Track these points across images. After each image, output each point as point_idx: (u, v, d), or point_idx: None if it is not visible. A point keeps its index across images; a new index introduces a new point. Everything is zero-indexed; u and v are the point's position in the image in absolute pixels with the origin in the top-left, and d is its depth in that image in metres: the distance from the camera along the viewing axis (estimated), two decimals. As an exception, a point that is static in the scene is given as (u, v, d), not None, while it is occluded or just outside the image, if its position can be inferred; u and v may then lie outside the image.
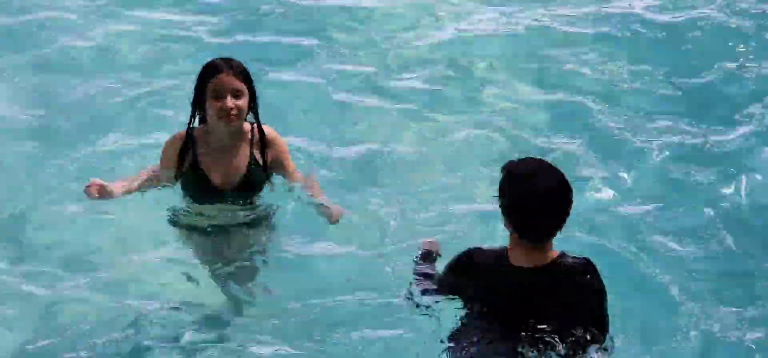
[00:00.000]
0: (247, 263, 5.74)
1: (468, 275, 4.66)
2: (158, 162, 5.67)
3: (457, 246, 4.89)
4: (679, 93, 8.17)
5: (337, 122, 7.77)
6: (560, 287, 4.49)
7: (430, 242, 5.25)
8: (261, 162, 5.62)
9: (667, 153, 7.35)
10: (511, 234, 4.53)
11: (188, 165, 5.57)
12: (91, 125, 7.52)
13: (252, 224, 5.72)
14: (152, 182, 5.66)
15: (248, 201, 5.66)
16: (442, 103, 8.13)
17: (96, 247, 6.15)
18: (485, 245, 4.80)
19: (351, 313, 5.59)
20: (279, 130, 5.75)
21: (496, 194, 4.52)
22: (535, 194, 4.40)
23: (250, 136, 5.61)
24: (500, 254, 4.59)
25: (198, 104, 5.50)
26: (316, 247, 6.02)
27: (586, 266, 4.56)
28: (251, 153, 5.59)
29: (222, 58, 5.51)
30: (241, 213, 5.66)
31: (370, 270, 5.91)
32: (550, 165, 4.51)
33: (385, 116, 7.87)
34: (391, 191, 6.79)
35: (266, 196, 5.71)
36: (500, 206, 4.50)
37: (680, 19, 9.30)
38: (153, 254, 6.00)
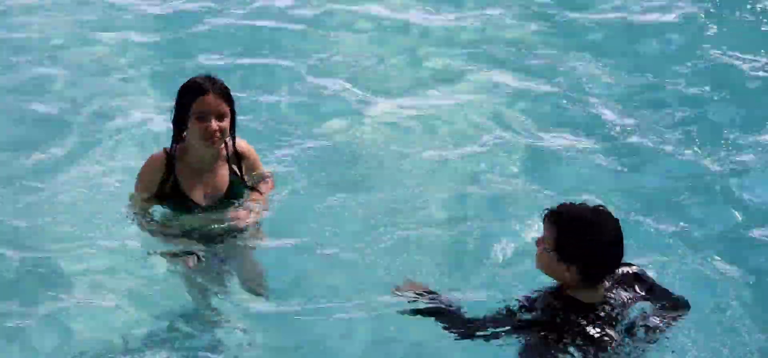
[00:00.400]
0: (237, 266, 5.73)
1: (541, 321, 4.80)
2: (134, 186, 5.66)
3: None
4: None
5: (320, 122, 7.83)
6: (627, 301, 4.84)
7: (411, 285, 5.19)
8: (239, 175, 5.65)
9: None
10: (568, 276, 4.72)
11: (169, 186, 5.53)
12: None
13: (237, 230, 5.70)
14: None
15: (230, 209, 5.67)
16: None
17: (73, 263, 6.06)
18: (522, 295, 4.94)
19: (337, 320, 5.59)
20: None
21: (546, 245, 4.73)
22: (605, 242, 4.67)
23: (225, 151, 5.60)
24: (563, 299, 4.78)
25: (179, 124, 5.44)
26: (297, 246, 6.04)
27: (628, 267, 4.94)
28: (230, 168, 5.61)
29: (205, 77, 5.45)
30: (224, 223, 5.64)
31: (353, 272, 5.93)
32: (605, 209, 4.75)
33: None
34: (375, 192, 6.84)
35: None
36: (562, 255, 4.69)
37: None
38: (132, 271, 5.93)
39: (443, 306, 4.97)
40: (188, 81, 5.47)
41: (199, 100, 5.36)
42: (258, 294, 5.63)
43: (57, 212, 6.36)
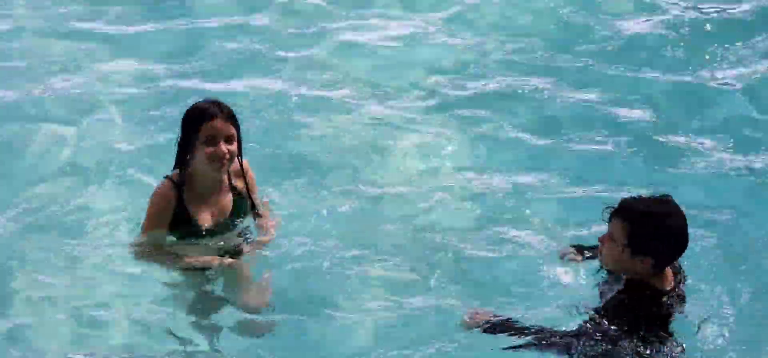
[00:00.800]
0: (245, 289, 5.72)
1: (643, 316, 4.96)
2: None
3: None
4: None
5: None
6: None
7: (482, 312, 5.22)
8: (241, 192, 5.67)
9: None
10: (641, 268, 4.92)
11: (177, 214, 5.52)
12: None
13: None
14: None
15: (233, 229, 5.68)
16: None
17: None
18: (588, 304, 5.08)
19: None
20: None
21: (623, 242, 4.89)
22: (677, 229, 4.91)
23: (227, 173, 5.63)
24: (645, 288, 4.96)
25: (186, 149, 5.45)
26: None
27: None
28: (231, 186, 5.63)
29: (210, 102, 5.50)
30: (229, 241, 5.65)
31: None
32: (669, 197, 4.98)
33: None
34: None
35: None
36: (636, 249, 4.86)
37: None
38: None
39: (539, 327, 5.05)
40: (193, 107, 5.49)
41: (206, 126, 5.39)
42: (256, 311, 5.64)
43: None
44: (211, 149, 5.37)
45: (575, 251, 5.60)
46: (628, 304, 4.93)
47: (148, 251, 5.49)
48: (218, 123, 5.37)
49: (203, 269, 5.51)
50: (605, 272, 5.15)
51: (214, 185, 5.54)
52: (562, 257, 5.69)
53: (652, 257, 4.87)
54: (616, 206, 4.95)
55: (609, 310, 4.94)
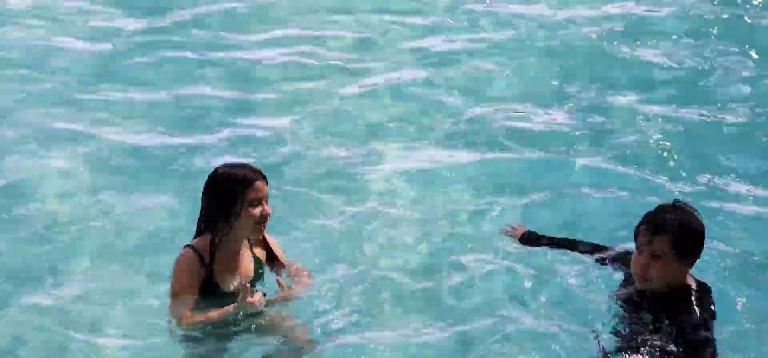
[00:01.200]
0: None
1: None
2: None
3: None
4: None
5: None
6: None
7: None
8: (263, 258, 5.78)
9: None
10: (684, 272, 5.24)
11: (203, 279, 5.58)
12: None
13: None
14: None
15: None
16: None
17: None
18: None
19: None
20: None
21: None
22: (702, 225, 5.25)
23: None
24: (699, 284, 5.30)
25: (226, 214, 5.51)
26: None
27: None
28: (251, 251, 5.72)
29: (243, 165, 5.67)
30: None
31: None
32: (679, 200, 5.33)
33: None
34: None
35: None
36: (682, 256, 5.16)
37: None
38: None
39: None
40: (229, 173, 5.57)
41: (252, 189, 5.52)
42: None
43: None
44: (257, 211, 5.51)
45: (519, 232, 6.05)
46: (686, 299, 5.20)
47: (191, 315, 5.47)
48: (261, 185, 5.53)
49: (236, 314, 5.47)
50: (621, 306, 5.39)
51: (239, 250, 5.62)
52: (501, 232, 6.17)
53: (694, 256, 5.22)
54: (647, 225, 5.16)
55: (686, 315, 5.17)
